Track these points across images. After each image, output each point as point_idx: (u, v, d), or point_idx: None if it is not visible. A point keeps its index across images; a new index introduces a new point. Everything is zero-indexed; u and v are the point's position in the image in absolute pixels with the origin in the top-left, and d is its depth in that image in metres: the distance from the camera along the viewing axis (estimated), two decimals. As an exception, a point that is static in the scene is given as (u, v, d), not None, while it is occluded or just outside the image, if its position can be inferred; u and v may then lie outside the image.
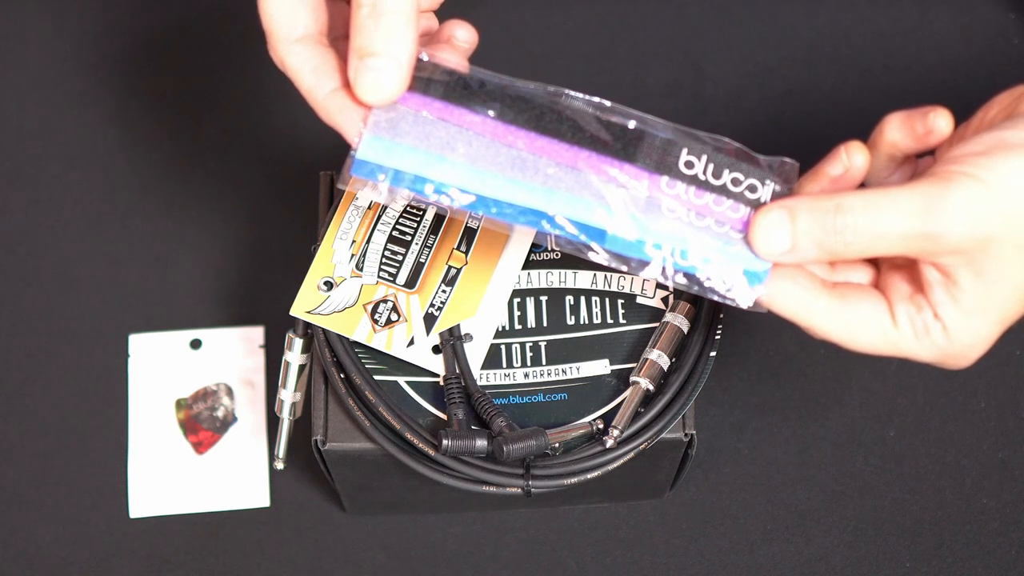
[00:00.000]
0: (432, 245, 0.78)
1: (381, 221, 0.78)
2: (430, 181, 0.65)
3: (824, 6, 1.02)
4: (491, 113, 0.66)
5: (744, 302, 0.65)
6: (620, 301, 0.78)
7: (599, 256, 0.65)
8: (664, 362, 0.75)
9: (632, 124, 0.66)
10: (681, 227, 0.65)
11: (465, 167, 0.65)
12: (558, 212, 0.65)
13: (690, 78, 1.00)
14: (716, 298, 0.65)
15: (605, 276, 0.78)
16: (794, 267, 0.65)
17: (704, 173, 0.65)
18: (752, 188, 0.65)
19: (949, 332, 0.64)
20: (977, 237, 0.61)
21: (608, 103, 0.66)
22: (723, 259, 0.65)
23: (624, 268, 0.65)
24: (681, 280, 0.65)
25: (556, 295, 0.78)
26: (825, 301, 0.64)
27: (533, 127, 0.66)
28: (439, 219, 0.78)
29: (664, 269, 0.65)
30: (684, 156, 0.66)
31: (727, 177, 0.65)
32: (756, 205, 0.65)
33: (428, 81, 0.66)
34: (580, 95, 0.66)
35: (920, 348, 0.64)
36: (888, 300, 0.65)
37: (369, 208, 0.78)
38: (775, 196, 0.65)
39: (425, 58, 0.66)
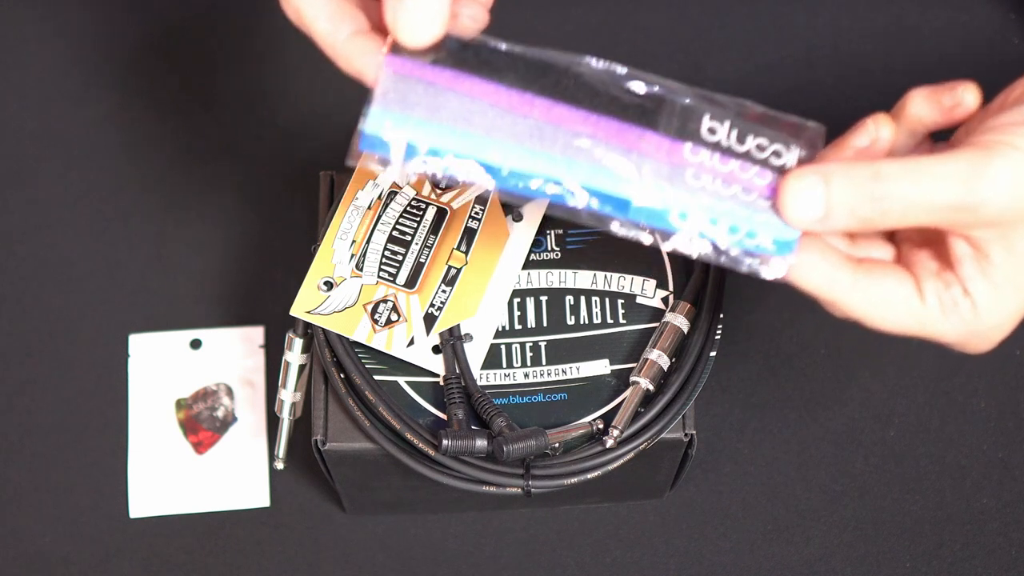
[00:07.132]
0: (432, 245, 0.77)
1: (381, 221, 0.78)
2: (444, 154, 0.61)
3: (824, 6, 1.02)
4: (505, 82, 0.62)
5: (770, 274, 0.62)
6: (620, 301, 0.78)
7: (621, 228, 0.62)
8: (664, 362, 0.75)
9: (652, 89, 0.63)
10: (707, 196, 0.62)
11: (480, 138, 0.61)
12: (580, 183, 0.62)
13: (690, 78, 0.99)
14: (743, 269, 0.62)
15: (605, 276, 0.78)
16: (821, 239, 0.62)
17: (728, 139, 0.62)
18: (777, 154, 0.62)
19: (978, 308, 0.62)
20: (1017, 208, 0.59)
21: (625, 69, 0.63)
22: (751, 228, 0.62)
23: (647, 239, 0.62)
24: (707, 250, 0.62)
25: (556, 295, 0.78)
26: (851, 276, 0.62)
27: (549, 95, 0.62)
28: (439, 219, 0.78)
29: (691, 240, 0.62)
30: (707, 122, 0.63)
31: (751, 143, 0.62)
32: (782, 171, 0.62)
33: (438, 50, 0.62)
34: (596, 60, 0.63)
35: (947, 326, 0.63)
36: (915, 276, 0.63)
37: (369, 208, 0.78)
38: (800, 162, 0.62)
39: None
